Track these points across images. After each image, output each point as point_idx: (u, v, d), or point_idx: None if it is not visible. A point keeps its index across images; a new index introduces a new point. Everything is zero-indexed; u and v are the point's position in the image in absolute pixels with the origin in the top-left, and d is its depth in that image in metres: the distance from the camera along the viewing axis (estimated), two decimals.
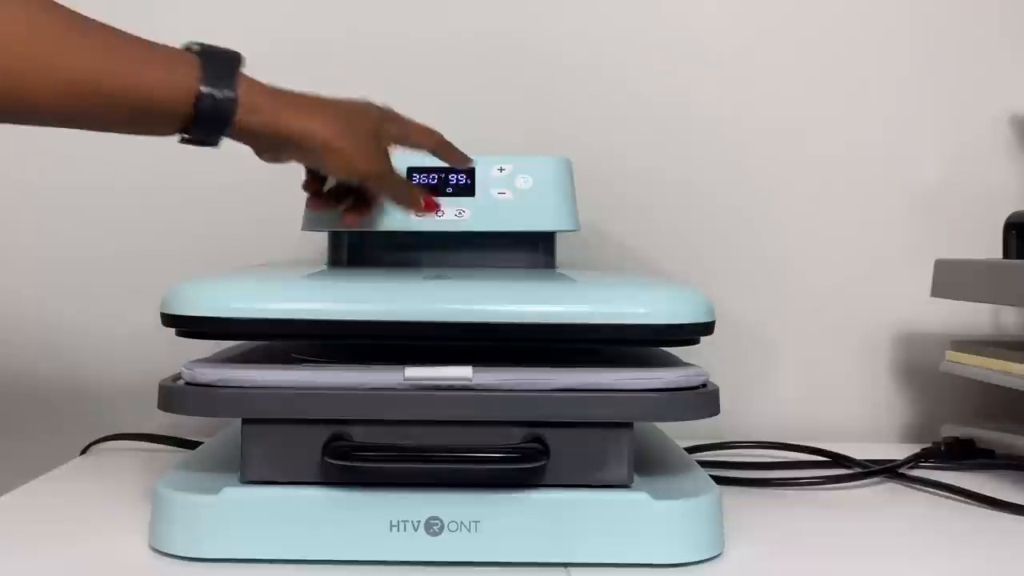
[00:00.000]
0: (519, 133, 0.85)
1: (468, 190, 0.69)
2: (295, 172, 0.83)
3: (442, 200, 0.68)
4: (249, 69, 0.84)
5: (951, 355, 0.77)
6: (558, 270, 0.64)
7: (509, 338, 0.49)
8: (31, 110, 0.50)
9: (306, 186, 0.64)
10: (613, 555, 0.50)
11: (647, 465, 0.57)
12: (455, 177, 0.69)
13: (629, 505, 0.50)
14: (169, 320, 0.51)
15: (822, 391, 0.86)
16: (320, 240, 0.85)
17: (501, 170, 0.69)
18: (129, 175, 0.85)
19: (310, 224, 0.70)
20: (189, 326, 0.51)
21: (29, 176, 0.85)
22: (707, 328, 0.51)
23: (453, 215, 0.68)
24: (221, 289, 0.51)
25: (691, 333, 0.51)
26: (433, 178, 0.69)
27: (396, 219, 0.67)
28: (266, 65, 0.85)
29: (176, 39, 0.84)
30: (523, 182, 0.69)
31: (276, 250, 0.85)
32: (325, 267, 0.66)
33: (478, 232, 0.68)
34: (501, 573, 0.49)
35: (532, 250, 0.70)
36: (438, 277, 0.54)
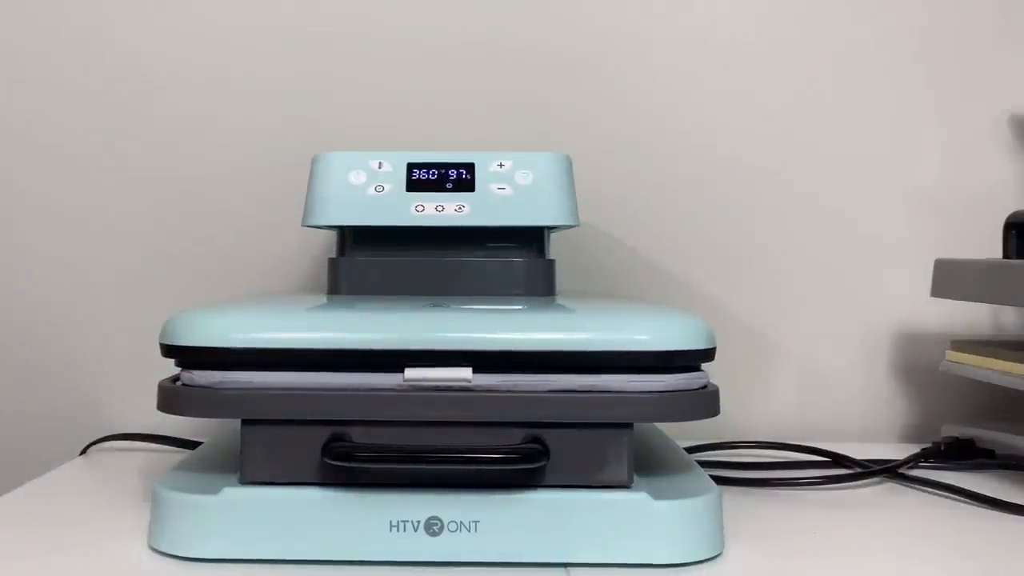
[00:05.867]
0: (519, 130, 0.85)
1: (468, 185, 0.69)
2: (296, 168, 0.83)
3: (443, 195, 0.68)
4: (251, 68, 0.85)
5: (951, 355, 0.77)
6: (557, 298, 0.64)
7: (508, 364, 0.50)
8: None
9: None
10: (613, 555, 0.50)
11: (647, 465, 0.58)
12: (455, 172, 0.69)
13: (629, 505, 0.50)
14: (167, 351, 0.51)
15: (822, 391, 0.86)
16: (320, 237, 0.85)
17: (501, 166, 0.70)
18: (129, 173, 0.85)
19: (310, 219, 0.70)
20: (188, 356, 0.51)
21: (28, 175, 0.85)
22: (708, 354, 0.51)
23: (453, 210, 0.68)
24: (221, 319, 0.51)
25: (692, 360, 0.51)
26: (433, 174, 0.69)
27: (396, 214, 0.67)
28: (267, 64, 0.85)
29: (177, 37, 0.84)
30: (523, 177, 0.69)
31: (277, 246, 0.85)
32: (324, 295, 0.66)
33: (478, 227, 0.68)
34: (501, 573, 0.49)
35: (528, 245, 0.70)
36: (436, 306, 0.54)
